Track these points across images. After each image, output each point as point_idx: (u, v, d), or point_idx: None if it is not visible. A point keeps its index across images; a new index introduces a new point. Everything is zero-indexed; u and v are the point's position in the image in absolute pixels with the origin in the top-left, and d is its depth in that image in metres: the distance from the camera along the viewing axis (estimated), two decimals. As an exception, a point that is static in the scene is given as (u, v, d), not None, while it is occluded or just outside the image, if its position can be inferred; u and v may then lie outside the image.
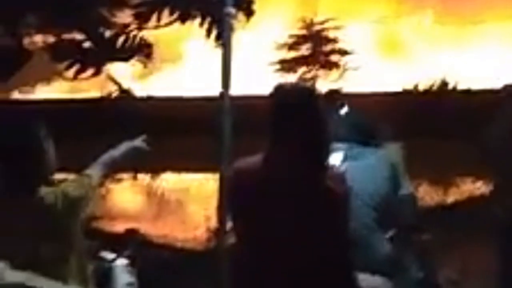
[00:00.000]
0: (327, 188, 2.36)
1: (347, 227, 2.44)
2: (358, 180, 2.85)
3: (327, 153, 2.43)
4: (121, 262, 2.49)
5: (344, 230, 2.41)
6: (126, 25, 6.99)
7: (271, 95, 2.44)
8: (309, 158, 2.38)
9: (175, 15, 5.64)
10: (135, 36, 7.40)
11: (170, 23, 5.75)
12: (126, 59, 7.82)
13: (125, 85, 19.06)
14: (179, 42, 30.18)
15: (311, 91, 2.48)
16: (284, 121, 2.38)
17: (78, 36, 7.56)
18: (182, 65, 31.98)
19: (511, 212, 4.80)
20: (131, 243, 2.87)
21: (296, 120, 2.37)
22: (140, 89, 25.58)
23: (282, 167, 2.38)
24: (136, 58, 7.81)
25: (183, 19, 5.64)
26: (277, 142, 2.38)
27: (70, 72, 7.95)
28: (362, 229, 2.98)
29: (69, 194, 2.40)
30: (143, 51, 7.55)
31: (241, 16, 5.69)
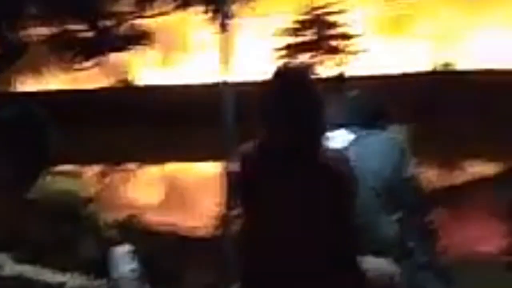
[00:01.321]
0: (330, 169, 2.36)
1: (353, 208, 2.43)
2: (363, 162, 2.84)
3: (324, 134, 2.43)
4: (124, 248, 2.49)
5: (350, 211, 2.40)
6: (127, 14, 6.93)
7: (270, 79, 2.43)
8: (309, 140, 2.37)
9: (177, 3, 5.59)
10: (136, 25, 7.35)
11: (171, 11, 5.71)
12: (127, 48, 7.78)
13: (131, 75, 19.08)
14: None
15: (306, 72, 2.47)
16: (281, 104, 2.37)
17: (79, 26, 7.53)
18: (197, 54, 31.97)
19: None
20: (132, 229, 2.87)
21: (292, 102, 2.37)
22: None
23: (283, 150, 2.37)
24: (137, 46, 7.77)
25: (184, 6, 5.60)
26: (275, 125, 2.38)
27: (72, 63, 7.92)
28: (367, 211, 2.97)
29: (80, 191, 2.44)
30: (143, 40, 7.51)
31: (244, 2, 5.64)
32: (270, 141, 2.42)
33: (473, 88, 19.59)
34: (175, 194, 10.81)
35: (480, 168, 11.47)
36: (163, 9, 6.49)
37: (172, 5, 5.73)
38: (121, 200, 10.18)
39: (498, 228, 5.99)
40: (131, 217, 7.08)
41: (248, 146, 2.47)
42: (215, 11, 5.48)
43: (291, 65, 2.67)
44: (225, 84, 4.58)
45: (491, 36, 29.79)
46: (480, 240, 5.97)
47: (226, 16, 4.78)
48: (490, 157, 10.95)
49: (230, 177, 4.36)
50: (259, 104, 2.42)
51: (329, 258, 2.38)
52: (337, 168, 2.37)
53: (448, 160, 12.35)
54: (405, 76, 23.26)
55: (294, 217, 2.37)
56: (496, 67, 23.06)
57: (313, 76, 2.48)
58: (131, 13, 7.15)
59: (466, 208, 7.43)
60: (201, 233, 7.11)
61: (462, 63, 23.80)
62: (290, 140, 2.37)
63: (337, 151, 2.52)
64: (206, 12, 5.39)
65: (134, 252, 2.46)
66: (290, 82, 2.40)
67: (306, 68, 2.53)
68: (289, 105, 2.38)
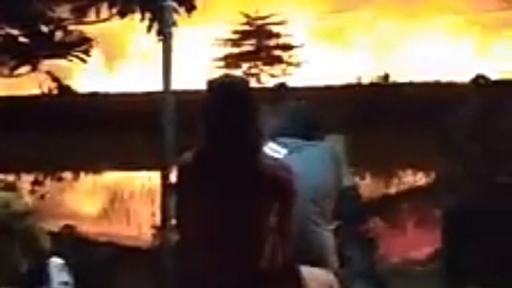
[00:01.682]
0: (269, 178, 2.37)
1: (291, 217, 2.44)
2: (301, 173, 2.87)
3: (262, 144, 2.45)
4: (58, 261, 2.44)
5: (288, 220, 2.42)
6: (64, 20, 6.80)
7: (206, 90, 2.45)
8: (246, 150, 2.39)
9: (114, 10, 5.52)
10: (73, 31, 7.23)
11: (109, 18, 5.64)
12: (64, 54, 7.64)
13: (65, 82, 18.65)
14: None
15: (243, 83, 2.50)
16: (218, 114, 2.39)
17: (14, 31, 7.34)
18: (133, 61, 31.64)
19: (466, 201, 4.90)
20: (68, 240, 2.81)
21: (229, 112, 2.39)
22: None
23: (220, 159, 2.38)
24: (74, 53, 7.64)
25: (122, 14, 5.53)
26: (213, 136, 2.39)
27: (8, 68, 7.71)
28: (305, 222, 3.00)
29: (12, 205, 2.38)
30: (81, 46, 7.38)
31: (182, 11, 5.63)
32: (208, 150, 2.43)
33: (409, 100, 20.12)
34: (114, 204, 10.64)
35: (414, 178, 11.78)
36: (102, 16, 6.38)
37: (110, 12, 5.65)
38: (57, 210, 9.94)
39: (429, 236, 6.16)
40: (67, 228, 6.92)
41: (187, 156, 2.47)
42: (154, 19, 5.44)
43: (228, 76, 2.68)
44: (165, 92, 4.55)
45: (428, 48, 30.74)
46: (413, 248, 6.13)
47: (166, 24, 4.76)
48: (424, 168, 11.26)
49: (169, 186, 4.34)
50: (198, 113, 2.44)
51: (266, 268, 2.39)
52: (276, 177, 2.39)
53: (384, 170, 12.63)
54: (344, 87, 23.69)
55: (231, 226, 2.37)
56: (433, 79, 23.79)
57: (250, 87, 2.50)
58: (69, 19, 7.02)
59: (400, 217, 7.61)
60: (139, 243, 7.02)
61: (400, 75, 24.44)
62: (227, 149, 2.38)
63: (276, 160, 2.54)
64: (144, 20, 5.34)
65: (68, 264, 2.41)
66: (227, 92, 2.43)
67: (243, 79, 2.56)
68: (226, 115, 2.39)
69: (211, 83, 2.47)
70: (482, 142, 4.92)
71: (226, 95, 2.42)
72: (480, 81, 5.17)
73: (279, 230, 2.41)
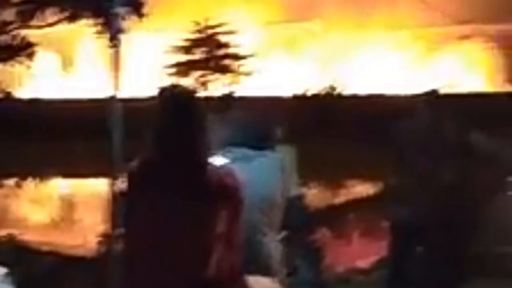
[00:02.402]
0: (216, 186, 2.37)
1: (237, 225, 2.44)
2: (249, 182, 2.87)
3: (209, 152, 2.46)
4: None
5: (234, 228, 2.42)
6: (8, 23, 6.63)
7: (154, 98, 2.47)
8: (192, 159, 2.40)
9: (63, 15, 5.43)
10: (16, 36, 7.05)
11: (57, 22, 5.54)
12: (5, 59, 7.45)
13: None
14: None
15: (190, 93, 2.51)
16: (165, 122, 2.40)
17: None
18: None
19: (413, 211, 4.98)
20: (9, 249, 2.73)
21: (175, 122, 2.40)
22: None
23: (166, 169, 2.38)
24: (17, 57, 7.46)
25: (71, 18, 5.45)
26: (159, 144, 2.40)
27: None
28: (253, 231, 3.01)
29: None
30: (24, 50, 7.22)
31: (134, 17, 5.58)
32: (154, 158, 2.42)
33: (356, 111, 20.45)
34: (60, 211, 10.42)
35: (361, 189, 11.96)
36: (50, 20, 6.23)
37: (59, 17, 5.52)
38: (0, 218, 9.66)
39: (375, 245, 6.26)
40: (9, 236, 6.73)
41: (134, 164, 2.46)
42: (104, 25, 5.37)
43: (176, 85, 2.69)
44: (113, 99, 4.50)
45: (375, 61, 31.36)
46: (358, 258, 6.22)
47: (116, 30, 4.71)
48: (371, 178, 11.45)
49: (117, 194, 4.28)
50: (146, 121, 2.44)
51: (213, 277, 2.38)
52: (223, 185, 2.39)
53: (332, 180, 12.78)
54: (293, 98, 23.88)
55: (177, 235, 2.35)
56: (378, 92, 24.26)
57: (196, 97, 2.53)
58: (14, 22, 6.82)
59: (347, 227, 7.71)
60: (84, 252, 6.90)
61: (347, 87, 24.81)
62: (173, 158, 2.39)
63: (223, 168, 2.54)
64: (95, 25, 5.27)
65: (11, 274, 2.34)
66: (173, 102, 2.45)
67: (190, 89, 2.58)
68: (172, 124, 2.41)
69: (160, 92, 2.48)
70: (429, 155, 5.04)
71: (172, 104, 2.43)
72: (430, 96, 5.30)
73: (226, 238, 2.40)
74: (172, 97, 2.47)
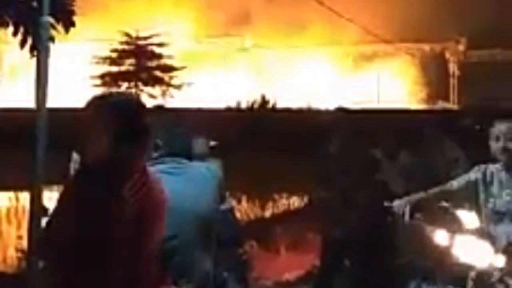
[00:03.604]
0: (145, 197, 2.34)
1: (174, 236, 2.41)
2: (181, 194, 2.85)
3: (141, 163, 2.42)
4: None
5: (160, 238, 2.39)
6: None
7: (86, 106, 2.40)
8: (124, 168, 2.35)
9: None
10: None
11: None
12: None
13: None
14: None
15: (126, 100, 2.47)
16: (98, 130, 2.34)
17: None
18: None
19: (339, 225, 5.06)
20: None
21: (109, 129, 2.34)
22: None
23: (101, 178, 2.33)
24: None
25: (-4, 26, 5.28)
26: (91, 153, 2.34)
27: None
28: (184, 245, 2.99)
29: None
30: None
31: (59, 27, 5.46)
32: (86, 169, 2.36)
33: (285, 125, 20.69)
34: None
35: (289, 201, 12.09)
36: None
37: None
38: None
39: (302, 258, 6.34)
40: None
41: (68, 175, 2.39)
42: (27, 34, 5.23)
43: (109, 92, 2.64)
44: (39, 109, 4.37)
45: (303, 76, 31.91)
46: (285, 270, 6.27)
47: (42, 40, 4.59)
48: (298, 191, 11.60)
49: (44, 207, 4.15)
50: (73, 131, 2.37)
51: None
52: (153, 196, 2.36)
53: (261, 193, 12.86)
54: (223, 111, 23.95)
55: (105, 251, 2.30)
56: (305, 106, 24.67)
57: (133, 104, 2.47)
58: None
59: (275, 240, 7.77)
60: (5, 268, 6.65)
61: (277, 101, 25.10)
62: (104, 168, 2.34)
63: (153, 179, 2.50)
64: (17, 34, 5.11)
65: None
66: (105, 109, 2.39)
67: (127, 96, 2.52)
68: (106, 132, 2.35)
69: (93, 99, 2.41)
70: (348, 170, 5.15)
71: (104, 111, 2.37)
72: (339, 112, 5.44)
73: (154, 249, 2.37)
74: (103, 104, 2.40)
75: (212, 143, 4.54)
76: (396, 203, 3.61)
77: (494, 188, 3.47)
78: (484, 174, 3.51)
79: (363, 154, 5.26)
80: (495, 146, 3.44)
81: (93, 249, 2.29)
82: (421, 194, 3.65)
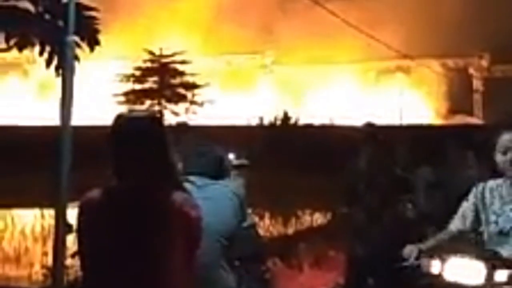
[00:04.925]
0: (181, 213, 2.33)
1: (196, 255, 2.41)
2: (205, 211, 2.87)
3: (173, 179, 2.42)
4: None
5: (193, 258, 2.38)
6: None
7: (112, 125, 2.40)
8: (155, 186, 2.35)
9: (12, 42, 5.34)
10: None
11: (7, 49, 5.44)
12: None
13: None
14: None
15: (150, 118, 2.45)
16: (126, 150, 2.35)
17: None
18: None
19: (369, 246, 5.01)
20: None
21: (136, 148, 2.35)
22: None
23: (131, 197, 2.33)
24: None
25: (20, 46, 5.36)
26: (122, 172, 2.34)
27: None
28: (209, 262, 2.99)
29: None
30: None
31: (84, 46, 5.54)
32: (116, 187, 2.37)
33: (308, 141, 20.64)
34: (3, 242, 10.10)
35: (312, 218, 12.02)
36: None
37: (7, 44, 5.42)
38: None
39: (325, 276, 6.29)
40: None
41: (92, 194, 2.39)
42: (53, 53, 5.31)
43: (134, 110, 2.65)
44: (63, 127, 4.43)
45: (327, 92, 31.89)
46: (308, 287, 6.23)
47: (67, 59, 4.67)
48: (321, 207, 11.53)
49: (68, 224, 4.18)
50: (105, 149, 2.37)
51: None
52: (183, 214, 2.35)
53: (284, 210, 12.81)
54: (246, 127, 23.97)
55: (138, 265, 2.31)
56: (329, 123, 24.60)
57: (158, 121, 2.47)
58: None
59: (298, 256, 7.72)
60: (30, 284, 6.70)
61: (302, 117, 25.00)
62: (135, 187, 2.34)
63: (185, 197, 2.50)
64: (42, 53, 5.20)
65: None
66: (133, 128, 2.39)
67: (150, 115, 2.52)
68: (133, 151, 2.35)
69: (118, 118, 2.42)
70: (374, 186, 5.11)
71: (132, 130, 2.37)
72: (368, 128, 5.40)
73: (186, 268, 2.37)
74: (131, 123, 2.39)
75: (238, 161, 4.54)
76: (407, 249, 3.38)
77: (495, 206, 3.16)
78: (482, 193, 3.21)
79: (389, 170, 5.22)
80: (501, 159, 3.12)
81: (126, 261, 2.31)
82: (431, 242, 3.39)
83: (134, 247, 2.31)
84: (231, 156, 4.44)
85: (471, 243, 3.28)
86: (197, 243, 2.40)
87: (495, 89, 30.23)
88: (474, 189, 3.26)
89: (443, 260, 3.06)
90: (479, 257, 2.98)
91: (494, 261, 2.97)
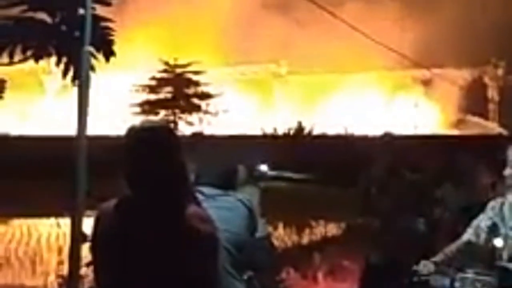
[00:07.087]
0: (192, 227, 2.32)
1: (215, 266, 2.39)
2: (216, 222, 2.87)
3: (187, 192, 2.41)
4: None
5: (213, 269, 2.36)
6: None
7: (125, 136, 2.39)
8: (170, 198, 2.34)
9: (29, 52, 5.41)
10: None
11: (24, 60, 5.51)
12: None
13: None
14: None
15: (161, 128, 2.44)
16: (138, 160, 2.34)
17: None
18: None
19: (384, 255, 4.98)
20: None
21: (151, 159, 2.34)
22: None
23: (143, 209, 2.32)
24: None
25: (37, 57, 5.43)
26: (135, 183, 2.33)
27: None
28: (221, 273, 2.98)
29: None
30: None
31: (100, 56, 5.59)
32: (129, 198, 2.37)
33: (324, 151, 20.55)
34: (19, 251, 10.17)
35: (326, 228, 11.98)
36: (14, 58, 6.14)
37: (24, 55, 5.47)
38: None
39: (339, 285, 6.26)
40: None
41: (107, 205, 2.39)
42: (70, 63, 5.37)
43: (148, 121, 2.64)
44: (79, 137, 4.46)
45: (342, 102, 31.82)
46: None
47: (83, 69, 4.71)
48: (335, 217, 11.48)
49: (83, 233, 4.20)
50: (118, 160, 2.37)
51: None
52: (199, 226, 2.34)
53: (298, 220, 12.77)
54: (261, 137, 23.93)
55: (151, 278, 2.30)
56: (345, 132, 24.50)
57: (170, 132, 2.46)
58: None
59: (313, 267, 7.70)
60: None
61: (316, 127, 24.90)
62: (149, 198, 2.34)
63: (197, 209, 2.49)
64: (59, 64, 5.25)
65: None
66: (146, 139, 2.39)
67: (163, 125, 2.50)
68: (146, 162, 2.35)
69: (130, 129, 2.42)
70: (391, 196, 5.09)
71: (145, 142, 2.36)
72: (386, 138, 5.39)
73: (201, 281, 2.35)
74: (144, 134, 2.38)
75: (276, 173, 4.48)
76: (421, 265, 3.34)
77: None
78: (501, 209, 3.12)
79: (406, 179, 5.20)
80: (509, 172, 3.04)
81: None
82: (443, 255, 3.33)
83: (147, 259, 2.31)
84: (263, 167, 4.39)
85: (484, 257, 3.24)
86: (212, 255, 2.39)
87: (510, 99, 29.97)
88: (492, 203, 3.20)
89: (456, 276, 3.04)
90: (491, 273, 2.94)
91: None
